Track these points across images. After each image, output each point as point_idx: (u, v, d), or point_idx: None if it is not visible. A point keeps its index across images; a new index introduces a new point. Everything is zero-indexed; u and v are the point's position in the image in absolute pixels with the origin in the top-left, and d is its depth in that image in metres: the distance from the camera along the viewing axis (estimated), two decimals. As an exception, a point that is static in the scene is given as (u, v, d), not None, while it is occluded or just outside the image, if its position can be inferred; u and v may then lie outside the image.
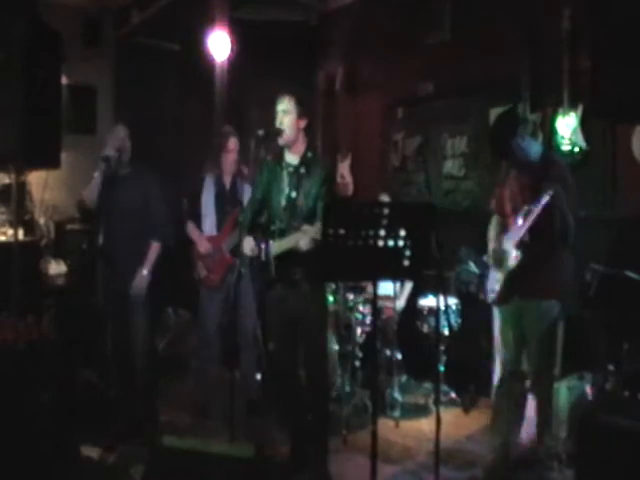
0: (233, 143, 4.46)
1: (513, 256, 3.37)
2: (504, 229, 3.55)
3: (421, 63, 5.67)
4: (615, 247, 4.18)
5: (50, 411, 3.24)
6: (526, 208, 3.32)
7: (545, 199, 3.19)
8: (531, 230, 3.30)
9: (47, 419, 3.24)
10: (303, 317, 3.51)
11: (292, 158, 3.50)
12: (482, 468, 3.59)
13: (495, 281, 3.50)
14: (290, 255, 3.37)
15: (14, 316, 3.42)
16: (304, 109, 3.48)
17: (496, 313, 3.61)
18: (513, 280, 3.41)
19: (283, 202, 3.47)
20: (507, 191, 3.57)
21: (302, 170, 3.46)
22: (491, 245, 3.62)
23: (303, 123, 3.48)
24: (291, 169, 3.49)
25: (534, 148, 3.49)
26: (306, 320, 3.51)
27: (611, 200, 4.34)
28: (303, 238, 3.26)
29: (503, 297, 3.48)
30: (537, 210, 3.23)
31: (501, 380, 3.59)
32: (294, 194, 3.44)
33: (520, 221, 3.36)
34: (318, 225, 3.16)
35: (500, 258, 3.46)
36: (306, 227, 3.27)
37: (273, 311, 3.61)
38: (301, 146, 3.50)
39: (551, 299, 3.44)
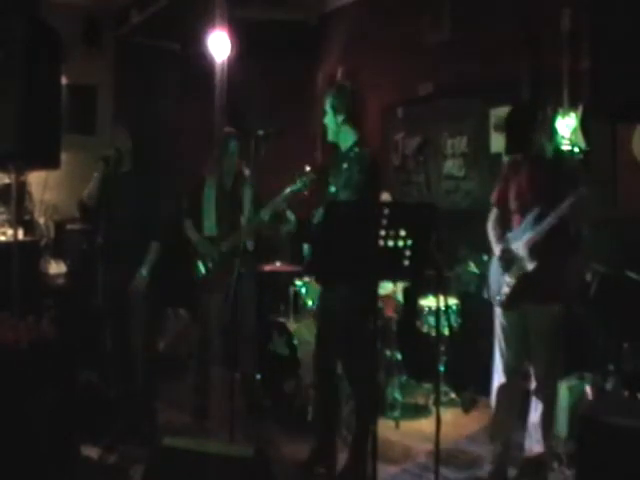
0: (234, 145, 4.46)
1: (526, 261, 3.29)
2: (507, 225, 3.48)
3: (421, 63, 5.67)
4: (615, 247, 4.18)
5: (50, 411, 3.24)
6: (539, 209, 3.27)
7: (566, 205, 3.16)
8: (547, 236, 3.24)
9: (47, 419, 3.23)
10: (340, 317, 3.51)
11: (340, 153, 3.58)
12: (484, 469, 3.57)
13: (503, 284, 3.40)
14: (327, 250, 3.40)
15: (14, 316, 3.41)
16: (339, 102, 3.52)
17: (497, 313, 3.52)
18: (525, 285, 3.32)
19: (328, 197, 3.55)
20: (514, 186, 3.47)
21: (344, 165, 3.50)
22: (495, 244, 3.51)
23: (340, 118, 3.52)
24: (337, 164, 3.56)
25: (549, 145, 3.47)
26: (343, 320, 3.51)
27: (611, 200, 4.33)
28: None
29: (512, 301, 3.39)
30: (554, 218, 3.19)
31: (504, 383, 3.51)
32: (333, 189, 3.52)
33: (529, 220, 3.30)
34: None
35: (510, 262, 3.37)
36: None
37: (319, 310, 3.72)
38: (347, 140, 3.54)
39: (559, 302, 3.40)
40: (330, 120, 3.56)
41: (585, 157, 4.32)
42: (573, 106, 4.31)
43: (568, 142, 4.31)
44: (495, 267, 3.48)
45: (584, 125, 4.29)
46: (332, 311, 3.56)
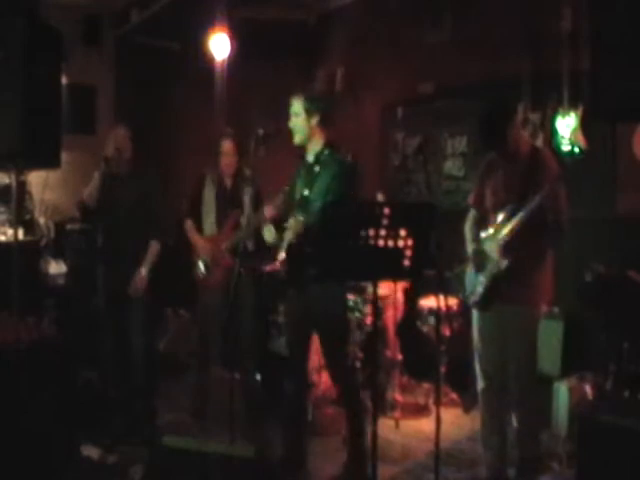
0: (227, 146, 4.45)
1: (497, 261, 3.22)
2: (482, 225, 3.43)
3: (421, 63, 5.67)
4: (615, 247, 4.18)
5: (50, 411, 3.24)
6: (511, 207, 3.21)
7: (534, 203, 3.08)
8: (518, 234, 3.16)
9: (47, 419, 3.23)
10: (314, 317, 3.51)
11: (309, 156, 3.54)
12: (482, 471, 3.56)
13: (477, 284, 3.36)
14: (301, 255, 3.39)
15: (14, 316, 3.41)
16: (313, 105, 3.48)
17: (474, 315, 3.49)
18: (497, 286, 3.28)
19: (297, 199, 3.51)
20: (490, 185, 3.43)
21: (316, 168, 3.47)
22: (470, 244, 3.49)
23: (315, 120, 3.47)
24: (307, 168, 3.53)
25: (525, 140, 3.43)
26: (320, 320, 3.51)
27: (611, 200, 4.33)
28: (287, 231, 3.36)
29: (486, 302, 3.36)
30: (525, 213, 3.11)
31: (486, 387, 3.48)
32: (306, 191, 3.47)
33: (501, 218, 3.24)
34: (297, 218, 3.32)
35: (482, 261, 3.33)
36: (290, 220, 3.37)
37: (288, 309, 3.67)
38: (317, 145, 3.51)
39: (535, 305, 3.35)
40: (302, 123, 3.47)
41: (585, 157, 4.32)
42: (573, 106, 4.31)
43: (568, 142, 4.31)
44: (470, 267, 3.45)
45: (584, 125, 4.29)
46: (305, 313, 3.52)
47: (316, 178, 3.45)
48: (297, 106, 3.47)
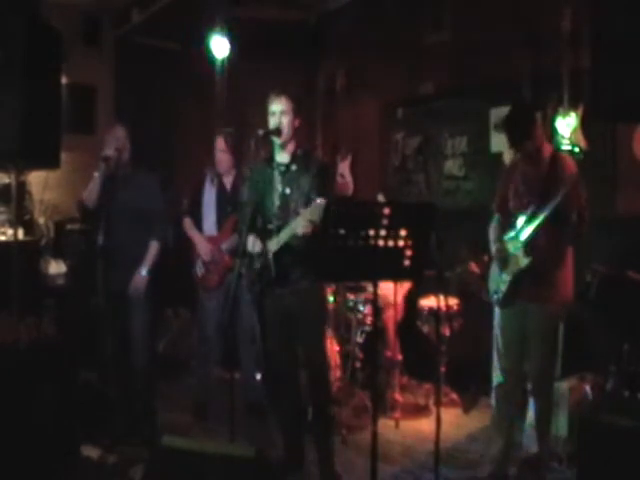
0: (220, 143, 4.45)
1: (521, 257, 3.30)
2: (506, 227, 3.49)
3: (421, 63, 5.67)
4: (615, 247, 4.18)
5: (50, 411, 3.24)
6: (533, 207, 3.27)
7: (555, 202, 3.14)
8: (539, 233, 3.23)
9: (47, 419, 3.23)
10: (301, 316, 3.51)
11: (283, 157, 3.50)
12: (484, 468, 3.57)
13: (500, 282, 3.43)
14: (289, 253, 3.38)
15: (14, 316, 3.41)
16: (299, 109, 3.48)
17: (496, 313, 3.56)
18: (520, 283, 3.34)
19: (277, 201, 3.47)
20: (511, 188, 3.50)
21: (294, 167, 3.47)
22: (493, 244, 3.56)
23: (298, 123, 3.49)
24: (282, 168, 3.49)
25: (546, 142, 3.48)
26: (304, 319, 3.52)
27: (611, 200, 4.33)
28: (299, 222, 3.24)
29: (508, 299, 3.42)
30: (546, 214, 3.18)
31: (501, 383, 3.53)
32: (288, 191, 3.45)
33: (524, 219, 3.30)
34: (314, 205, 3.15)
35: (505, 259, 3.41)
36: (301, 210, 3.28)
37: (271, 310, 3.59)
38: (293, 145, 3.51)
39: (556, 303, 3.40)
40: (288, 123, 3.43)
41: (585, 157, 4.31)
42: (573, 106, 4.31)
43: (568, 142, 4.31)
44: (494, 267, 3.51)
45: (584, 125, 4.29)
46: (289, 309, 3.51)
47: (296, 177, 3.45)
48: (285, 105, 3.43)
